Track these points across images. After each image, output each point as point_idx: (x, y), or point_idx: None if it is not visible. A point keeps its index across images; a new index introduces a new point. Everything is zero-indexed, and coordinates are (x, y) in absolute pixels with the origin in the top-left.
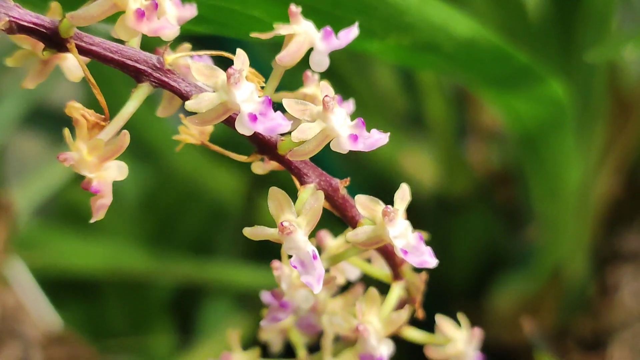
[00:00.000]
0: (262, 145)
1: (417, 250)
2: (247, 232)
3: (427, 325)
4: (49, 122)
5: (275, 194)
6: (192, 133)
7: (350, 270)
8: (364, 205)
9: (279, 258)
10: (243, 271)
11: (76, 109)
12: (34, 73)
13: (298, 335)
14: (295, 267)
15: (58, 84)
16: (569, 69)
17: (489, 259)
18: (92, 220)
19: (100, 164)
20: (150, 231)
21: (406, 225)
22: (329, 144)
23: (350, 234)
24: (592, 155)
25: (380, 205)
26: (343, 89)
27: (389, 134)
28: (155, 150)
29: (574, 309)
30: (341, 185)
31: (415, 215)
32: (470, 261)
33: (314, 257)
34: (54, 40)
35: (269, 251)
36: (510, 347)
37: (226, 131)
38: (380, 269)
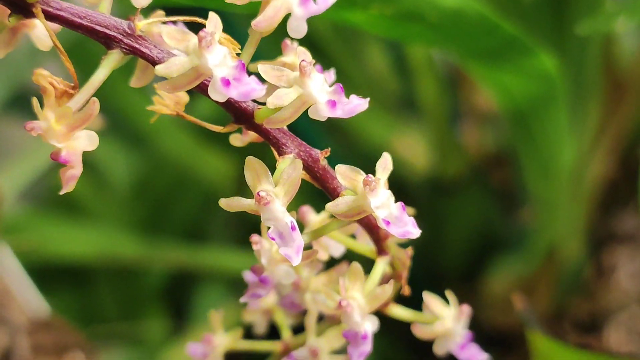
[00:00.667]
0: (238, 114)
1: (399, 221)
2: (223, 203)
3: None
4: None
5: (251, 163)
6: (166, 103)
7: (334, 246)
8: (345, 175)
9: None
10: (236, 257)
11: (44, 77)
12: (2, 42)
13: (282, 316)
14: (273, 239)
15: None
16: (562, 44)
17: (484, 241)
18: (61, 192)
19: (69, 134)
20: (141, 217)
21: (388, 195)
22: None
23: (330, 204)
24: (585, 134)
25: (362, 175)
26: (335, 72)
27: (368, 99)
28: (145, 136)
29: (570, 291)
30: (321, 156)
31: (409, 198)
32: (465, 243)
33: (293, 229)
34: (20, 5)
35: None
36: (506, 329)
37: (211, 112)
38: (364, 245)
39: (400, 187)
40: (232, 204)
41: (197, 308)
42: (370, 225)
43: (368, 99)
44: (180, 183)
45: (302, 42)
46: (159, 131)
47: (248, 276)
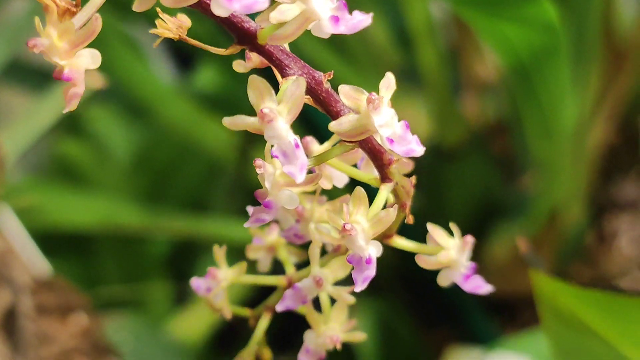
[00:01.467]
0: (241, 35)
1: (403, 140)
2: (227, 121)
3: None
4: (28, 75)
5: (255, 82)
6: (169, 27)
7: (338, 177)
8: (348, 94)
9: None
10: (239, 226)
11: None
12: None
13: (286, 253)
14: (276, 157)
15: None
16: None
17: (485, 208)
18: (65, 111)
19: (71, 51)
20: (143, 187)
21: (392, 114)
22: None
23: (334, 123)
24: (587, 98)
25: (365, 94)
26: (335, 42)
27: (372, 14)
28: (148, 107)
29: (571, 257)
30: (324, 79)
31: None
32: (466, 210)
33: (296, 146)
34: None
35: None
36: (508, 296)
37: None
38: (367, 174)
39: None
40: (235, 121)
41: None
42: (373, 151)
43: (372, 14)
44: (183, 153)
45: None
46: (161, 101)
47: (251, 210)
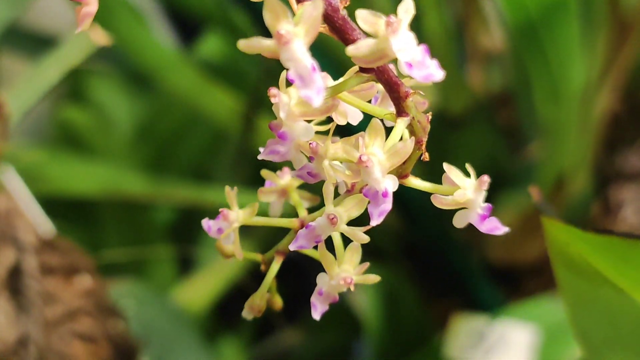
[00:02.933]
0: None
1: (422, 64)
2: (242, 44)
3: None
4: (28, 40)
5: (270, 3)
6: None
7: (352, 113)
8: (365, 19)
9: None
10: (244, 196)
11: None
12: None
13: (298, 197)
14: (293, 81)
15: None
16: None
17: (490, 177)
18: (77, 31)
19: None
20: (147, 157)
21: (411, 37)
22: None
23: (351, 47)
24: (594, 66)
25: (383, 18)
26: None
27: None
28: (152, 74)
29: (577, 227)
30: (341, 5)
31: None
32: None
33: (313, 70)
34: None
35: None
36: (513, 266)
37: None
38: (382, 109)
39: None
40: (251, 44)
41: (204, 247)
42: (390, 83)
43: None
44: (186, 122)
45: None
46: (165, 68)
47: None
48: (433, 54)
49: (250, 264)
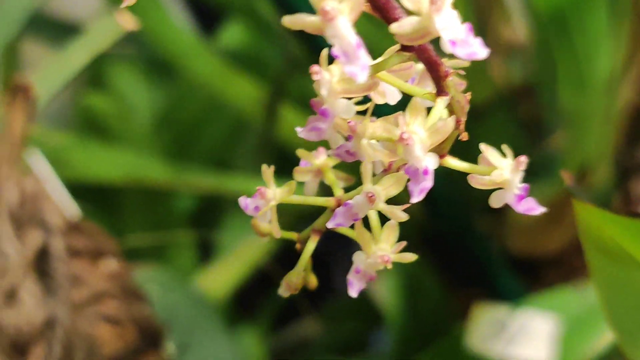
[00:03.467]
0: None
1: (465, 43)
2: (287, 20)
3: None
4: (51, 27)
5: None
6: None
7: (391, 93)
8: None
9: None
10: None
11: None
12: None
13: (333, 176)
14: (337, 56)
15: None
16: None
17: None
18: (123, 5)
19: None
20: (168, 145)
21: (454, 16)
22: None
23: (394, 25)
24: (618, 56)
25: None
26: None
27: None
28: (173, 62)
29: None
30: None
31: None
32: None
33: (358, 46)
34: None
35: (290, 165)
36: (533, 257)
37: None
38: (421, 89)
39: None
40: (295, 20)
41: (224, 235)
42: (430, 62)
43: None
44: (207, 110)
45: None
46: (187, 56)
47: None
48: None
49: (269, 252)
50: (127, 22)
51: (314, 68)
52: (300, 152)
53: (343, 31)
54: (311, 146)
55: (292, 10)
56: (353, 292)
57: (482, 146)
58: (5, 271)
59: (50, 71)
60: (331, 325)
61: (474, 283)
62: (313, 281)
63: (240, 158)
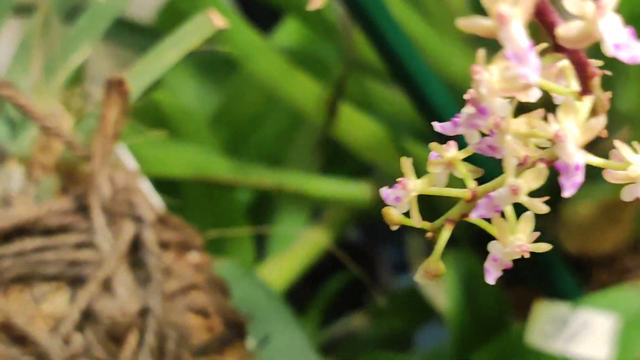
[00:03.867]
0: None
1: (627, 46)
2: (462, 23)
3: None
4: (127, 36)
5: None
6: None
7: (533, 91)
8: (573, 2)
9: (357, 172)
10: (321, 184)
11: None
12: None
13: (465, 169)
14: (509, 58)
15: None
16: None
17: None
18: (310, 8)
19: None
20: (224, 141)
21: (617, 19)
22: None
23: (562, 28)
24: None
25: (589, 1)
26: (414, 6)
27: None
28: (234, 59)
29: None
30: None
31: None
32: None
33: (530, 49)
34: None
35: (344, 163)
36: (586, 257)
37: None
38: (564, 87)
39: None
40: (471, 23)
41: (279, 230)
42: (580, 62)
43: None
44: (262, 107)
45: None
46: (250, 53)
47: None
48: None
49: (323, 249)
50: (219, 22)
51: (475, 67)
52: (433, 146)
53: (516, 34)
54: (367, 142)
55: (358, 8)
56: (490, 280)
57: (616, 142)
58: (100, 262)
59: (143, 66)
60: (377, 321)
61: (530, 280)
62: (441, 269)
63: (295, 154)
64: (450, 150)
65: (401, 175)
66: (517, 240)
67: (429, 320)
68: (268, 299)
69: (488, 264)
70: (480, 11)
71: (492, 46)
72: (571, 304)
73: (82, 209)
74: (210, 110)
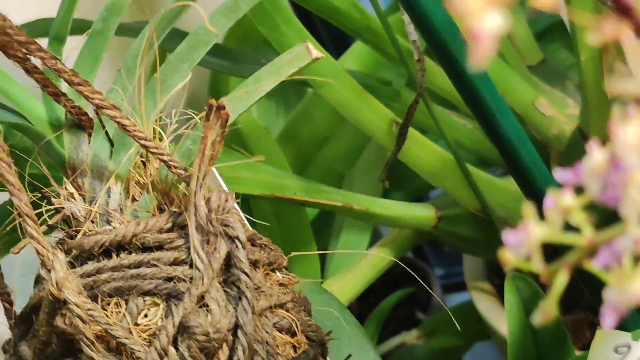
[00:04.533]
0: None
1: None
2: (610, 86)
3: None
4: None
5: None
6: None
7: None
8: None
9: (417, 193)
10: (387, 204)
11: None
12: None
13: (582, 217)
14: None
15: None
16: None
17: None
18: (471, 65)
19: (483, 11)
20: (291, 159)
21: None
22: None
23: None
24: None
25: None
26: None
27: None
28: (309, 81)
29: None
30: None
31: (561, 152)
32: None
33: None
34: None
35: (404, 183)
36: None
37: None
38: None
39: (541, 145)
40: (616, 86)
41: (340, 248)
42: None
43: None
44: (330, 126)
45: None
46: (323, 75)
47: (561, 175)
48: (585, 83)
49: (382, 270)
50: (315, 52)
51: (613, 125)
52: (552, 191)
53: None
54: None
55: (436, 40)
56: (607, 324)
57: None
58: (195, 280)
59: (239, 95)
60: (430, 338)
61: (589, 308)
62: (556, 311)
63: (360, 173)
64: (567, 197)
65: (464, 197)
66: (634, 288)
67: (481, 340)
68: (343, 316)
69: (605, 310)
70: (542, 39)
71: (557, 79)
72: (633, 334)
73: (178, 227)
74: (278, 129)
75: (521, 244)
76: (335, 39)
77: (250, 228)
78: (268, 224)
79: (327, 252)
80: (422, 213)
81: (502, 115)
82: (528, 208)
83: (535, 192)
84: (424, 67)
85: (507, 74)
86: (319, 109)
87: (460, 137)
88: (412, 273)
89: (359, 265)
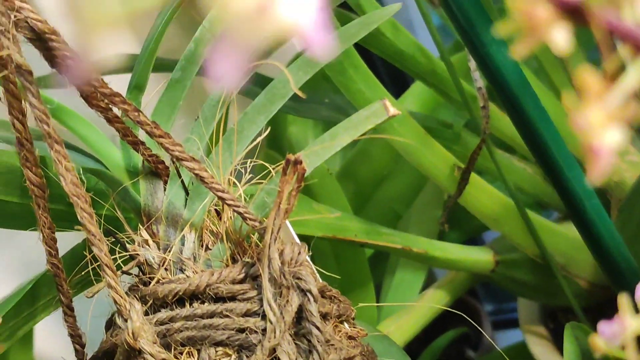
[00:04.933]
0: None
1: None
2: None
3: None
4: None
5: None
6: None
7: None
8: None
9: (472, 234)
10: (445, 247)
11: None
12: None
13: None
14: None
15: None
16: None
17: None
18: (591, 180)
19: (604, 125)
20: (350, 197)
21: None
22: None
23: None
24: None
25: None
26: (539, 78)
27: None
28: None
29: None
30: None
31: (622, 200)
32: None
33: None
34: None
35: (461, 226)
36: None
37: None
38: None
39: (601, 192)
40: None
41: (395, 293)
42: None
43: None
44: (385, 168)
45: None
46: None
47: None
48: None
49: (440, 309)
50: (393, 109)
51: None
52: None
53: None
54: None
55: (503, 86)
56: None
57: None
58: (268, 332)
59: (315, 149)
60: None
61: None
62: None
63: (417, 213)
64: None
65: (522, 242)
66: None
67: None
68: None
69: None
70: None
71: None
72: None
73: (251, 278)
74: (335, 166)
75: (616, 336)
76: (394, 78)
77: (321, 280)
78: (327, 264)
79: (384, 304)
80: (480, 257)
81: (570, 169)
82: (623, 300)
83: (614, 266)
84: (489, 114)
85: (566, 115)
86: (378, 148)
87: (519, 181)
88: (464, 316)
89: (415, 307)
